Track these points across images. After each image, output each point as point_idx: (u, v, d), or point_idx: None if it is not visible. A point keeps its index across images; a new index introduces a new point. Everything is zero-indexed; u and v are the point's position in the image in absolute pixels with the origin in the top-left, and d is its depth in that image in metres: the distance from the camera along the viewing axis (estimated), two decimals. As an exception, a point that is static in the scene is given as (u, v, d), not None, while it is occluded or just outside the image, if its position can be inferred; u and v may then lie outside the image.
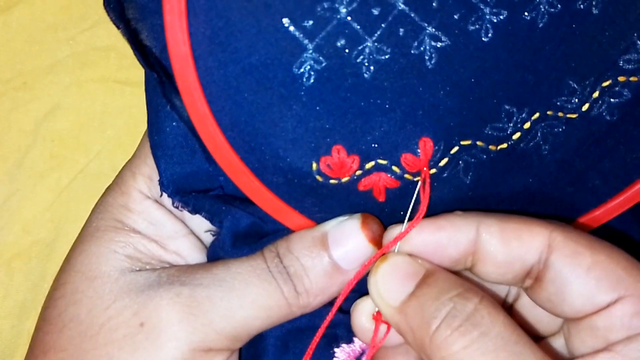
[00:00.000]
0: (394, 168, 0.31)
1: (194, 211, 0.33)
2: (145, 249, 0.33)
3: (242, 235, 0.34)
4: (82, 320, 0.31)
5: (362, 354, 0.35)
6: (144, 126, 0.42)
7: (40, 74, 0.41)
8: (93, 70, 0.41)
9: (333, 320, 0.33)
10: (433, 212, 0.32)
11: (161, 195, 0.33)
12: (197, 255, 0.34)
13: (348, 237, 0.32)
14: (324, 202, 0.32)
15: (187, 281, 0.31)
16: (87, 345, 0.30)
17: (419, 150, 0.31)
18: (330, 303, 0.33)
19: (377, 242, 0.32)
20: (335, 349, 0.35)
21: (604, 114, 0.33)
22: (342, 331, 0.35)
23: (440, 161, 0.32)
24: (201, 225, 0.34)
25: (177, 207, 0.33)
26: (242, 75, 0.29)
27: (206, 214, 0.34)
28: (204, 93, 0.29)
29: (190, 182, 0.33)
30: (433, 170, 0.32)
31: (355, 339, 0.35)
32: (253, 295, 0.31)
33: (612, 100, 0.33)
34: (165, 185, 0.33)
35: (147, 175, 0.34)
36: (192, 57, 0.29)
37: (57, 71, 0.41)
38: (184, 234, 0.34)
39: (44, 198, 0.41)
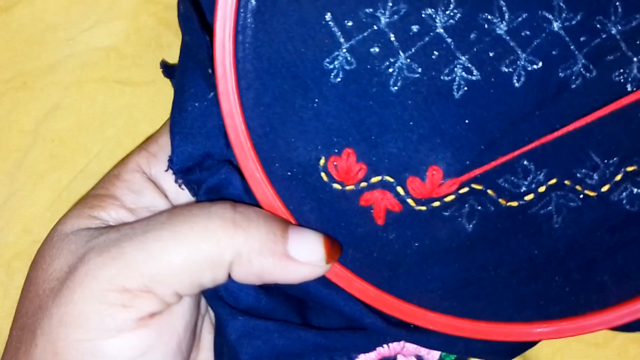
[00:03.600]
0: (399, 189, 0.31)
1: (194, 192, 0.33)
2: (116, 215, 0.33)
3: None
4: (36, 281, 0.31)
5: None
6: (144, 126, 0.42)
7: (40, 74, 0.41)
8: (93, 70, 0.41)
9: (316, 349, 0.33)
10: (428, 250, 0.32)
11: (167, 170, 0.33)
12: None
13: (309, 237, 0.31)
14: (323, 211, 0.32)
15: (121, 227, 0.31)
16: (38, 303, 0.30)
17: (426, 176, 0.31)
18: (322, 334, 0.32)
19: (328, 255, 0.31)
20: None
21: (624, 201, 0.32)
22: (341, 357, 0.34)
23: (446, 196, 0.31)
24: None
25: (179, 185, 0.33)
26: (275, 57, 0.30)
27: (201, 198, 0.33)
28: (236, 67, 0.30)
29: (198, 165, 0.33)
30: (437, 203, 0.31)
31: None
32: (175, 228, 0.29)
33: (634, 189, 0.32)
34: (174, 161, 0.32)
35: (153, 152, 0.34)
36: (234, 30, 0.29)
37: (57, 71, 0.41)
38: (162, 209, 0.33)
39: (44, 198, 0.41)
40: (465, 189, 0.31)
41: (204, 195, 0.32)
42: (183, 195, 0.34)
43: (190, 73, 0.33)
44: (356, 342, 0.34)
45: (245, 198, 0.32)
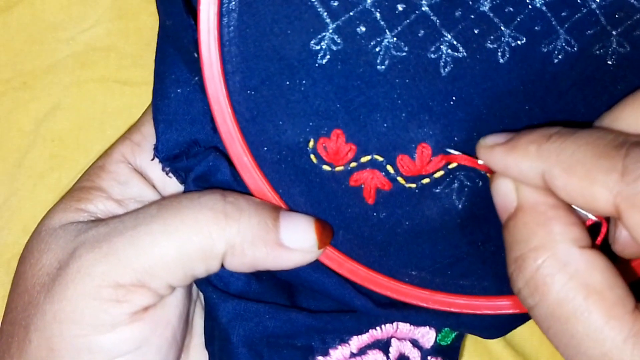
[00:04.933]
0: (389, 167, 0.31)
1: (182, 180, 0.33)
2: (104, 207, 0.32)
3: None
4: (25, 277, 0.31)
5: None
6: (144, 126, 0.42)
7: (40, 74, 0.41)
8: (93, 70, 0.41)
9: (310, 326, 0.33)
10: (418, 228, 0.32)
11: (153, 158, 0.33)
12: None
13: (300, 223, 0.31)
14: (312, 193, 0.32)
15: (110, 221, 0.30)
16: (28, 299, 0.30)
17: (415, 154, 0.31)
18: (313, 315, 0.32)
19: (320, 241, 0.31)
20: None
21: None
22: (318, 343, 0.34)
23: (435, 172, 0.31)
24: None
25: (167, 174, 0.33)
26: (261, 40, 0.29)
27: (189, 187, 0.33)
28: (221, 51, 0.29)
29: (185, 152, 0.32)
30: (426, 180, 0.31)
31: (331, 352, 0.34)
32: (165, 222, 0.29)
33: None
34: (159, 150, 0.32)
35: (137, 142, 0.34)
36: (218, 13, 0.29)
37: (57, 71, 0.41)
38: (151, 200, 0.33)
39: (44, 198, 0.41)
40: (454, 164, 0.31)
41: (193, 183, 0.32)
42: (170, 183, 0.34)
43: (170, 59, 0.32)
44: (348, 324, 0.34)
45: (234, 185, 0.32)
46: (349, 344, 0.34)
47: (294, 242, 0.30)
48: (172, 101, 0.32)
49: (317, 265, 0.32)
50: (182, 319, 0.32)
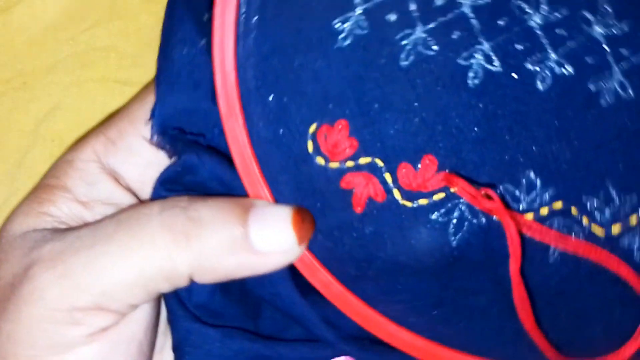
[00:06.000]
0: (387, 176, 0.28)
1: (170, 152, 0.31)
2: (68, 209, 0.30)
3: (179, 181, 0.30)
4: None
5: None
6: (143, 126, 0.42)
7: (40, 74, 0.41)
8: (93, 70, 0.41)
9: (265, 355, 0.30)
10: (403, 257, 0.28)
11: (147, 123, 0.30)
12: None
13: (274, 221, 0.27)
14: (299, 185, 0.28)
15: (67, 235, 0.28)
16: None
17: (419, 166, 0.28)
18: (267, 338, 0.30)
19: (302, 237, 0.28)
20: None
21: (634, 250, 0.28)
22: None
23: (436, 193, 0.28)
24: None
25: (157, 144, 0.30)
26: (281, 6, 0.27)
27: (156, 191, 0.30)
28: (237, 12, 0.27)
29: (182, 119, 0.30)
30: (424, 201, 0.28)
31: None
32: (123, 242, 0.27)
33: None
34: (157, 113, 0.30)
35: (112, 139, 0.31)
36: None
37: (57, 71, 0.41)
38: (120, 202, 0.31)
39: (44, 198, 0.41)
40: (455, 188, 0.27)
41: (161, 187, 0.30)
42: (149, 183, 0.31)
43: (179, 18, 0.30)
44: (306, 355, 0.30)
45: (210, 181, 0.29)
46: None
47: (268, 246, 0.27)
48: (176, 62, 0.29)
49: (285, 277, 0.29)
50: (150, 329, 0.30)
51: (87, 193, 0.30)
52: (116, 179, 0.31)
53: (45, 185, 0.31)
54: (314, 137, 0.28)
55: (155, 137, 0.30)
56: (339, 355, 0.31)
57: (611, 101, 0.27)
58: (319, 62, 0.27)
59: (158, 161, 0.31)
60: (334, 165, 0.28)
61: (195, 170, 0.29)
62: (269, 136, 0.28)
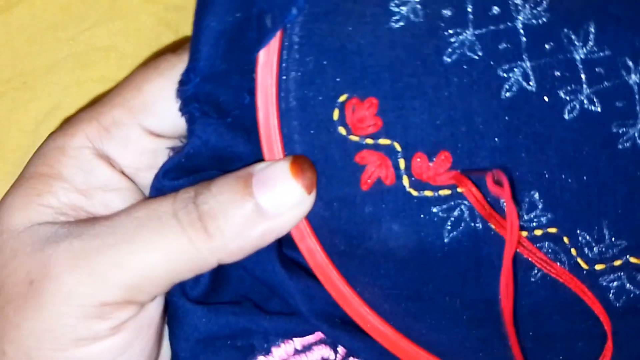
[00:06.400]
0: (401, 162, 0.28)
1: (188, 121, 0.30)
2: (67, 200, 0.30)
3: (187, 167, 0.30)
4: None
5: None
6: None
7: (40, 74, 0.41)
8: (93, 70, 0.41)
9: (249, 328, 0.30)
10: (393, 243, 0.29)
11: (180, 82, 0.29)
12: None
13: (275, 180, 0.28)
14: (313, 149, 0.29)
15: (83, 232, 0.28)
16: None
17: (434, 159, 0.28)
18: (251, 312, 0.30)
19: (308, 186, 0.28)
20: None
21: (611, 290, 0.29)
22: (259, 341, 0.31)
23: (442, 189, 0.29)
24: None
25: (181, 109, 0.30)
26: None
27: (157, 180, 0.30)
28: None
29: (218, 81, 0.29)
30: (429, 193, 0.29)
31: (273, 350, 0.31)
32: (148, 240, 0.27)
33: (627, 284, 0.29)
34: (197, 69, 0.29)
35: (106, 126, 0.31)
36: None
37: (57, 71, 0.41)
38: (119, 188, 0.31)
39: (44, 198, 0.41)
40: (463, 189, 0.28)
41: (164, 176, 0.30)
42: (143, 169, 0.32)
43: None
44: (291, 325, 0.31)
45: (213, 165, 0.29)
46: (292, 341, 0.32)
47: (280, 206, 0.28)
48: (213, 29, 0.28)
49: (270, 246, 0.29)
50: (163, 313, 0.31)
51: (85, 181, 0.30)
52: (111, 164, 0.31)
53: (38, 175, 0.30)
54: (342, 107, 0.28)
55: (181, 104, 0.29)
56: (313, 331, 0.31)
57: (628, 147, 0.28)
58: (366, 37, 0.27)
59: (154, 148, 0.32)
60: (354, 138, 0.28)
61: (197, 157, 0.30)
62: (298, 94, 0.28)
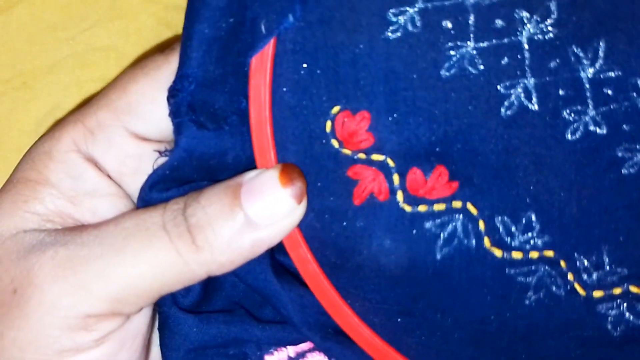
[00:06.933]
0: (395, 177, 0.28)
1: (175, 131, 0.29)
2: (54, 206, 0.29)
3: (175, 177, 0.29)
4: None
5: None
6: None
7: (40, 74, 0.41)
8: (93, 70, 0.41)
9: (241, 337, 0.30)
10: (384, 259, 0.28)
11: (172, 86, 0.28)
12: None
13: (264, 189, 0.27)
14: (306, 160, 0.28)
15: (69, 241, 0.28)
16: None
17: (430, 174, 0.28)
18: (244, 321, 0.30)
19: (297, 195, 0.27)
20: None
21: (608, 319, 0.28)
22: (252, 349, 0.31)
23: (437, 202, 0.28)
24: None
25: (170, 114, 0.29)
26: None
27: (144, 192, 0.30)
28: None
29: (213, 86, 0.28)
30: (423, 207, 0.28)
31: (266, 358, 0.31)
32: (136, 251, 0.27)
33: (627, 313, 0.28)
34: (190, 76, 0.28)
35: (90, 129, 0.30)
36: None
37: (57, 71, 0.41)
38: (107, 194, 0.30)
39: (44, 198, 0.41)
40: (459, 203, 0.28)
41: (150, 190, 0.29)
42: (127, 173, 0.31)
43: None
44: (283, 335, 0.31)
45: (201, 175, 0.29)
46: (286, 349, 0.31)
47: (270, 217, 0.27)
48: (222, 30, 0.28)
49: (262, 255, 0.29)
50: (151, 321, 0.31)
51: (73, 187, 0.30)
52: (99, 168, 0.31)
53: (25, 180, 0.30)
54: (333, 119, 0.27)
55: (175, 113, 0.29)
56: (305, 340, 0.31)
57: (633, 172, 0.27)
58: (361, 47, 0.27)
59: (138, 153, 0.31)
60: (346, 152, 0.28)
61: (182, 168, 0.29)
62: (292, 103, 0.27)
